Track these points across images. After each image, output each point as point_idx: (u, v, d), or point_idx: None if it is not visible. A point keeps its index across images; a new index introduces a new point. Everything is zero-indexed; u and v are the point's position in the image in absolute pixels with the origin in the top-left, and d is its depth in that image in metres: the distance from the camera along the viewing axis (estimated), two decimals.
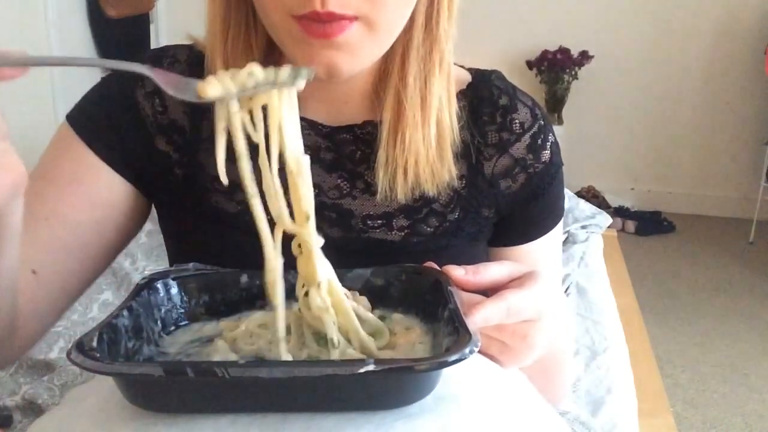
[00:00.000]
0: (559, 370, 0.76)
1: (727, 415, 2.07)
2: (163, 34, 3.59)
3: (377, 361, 0.43)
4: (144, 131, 0.69)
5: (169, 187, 0.70)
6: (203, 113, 0.69)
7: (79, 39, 3.01)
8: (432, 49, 0.64)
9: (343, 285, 0.59)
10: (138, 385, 0.46)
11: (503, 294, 0.54)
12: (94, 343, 0.46)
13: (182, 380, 0.44)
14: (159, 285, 0.59)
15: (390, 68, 0.65)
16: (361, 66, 0.60)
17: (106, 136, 0.68)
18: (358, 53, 0.58)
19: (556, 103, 3.49)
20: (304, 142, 0.69)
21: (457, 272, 0.56)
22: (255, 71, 0.48)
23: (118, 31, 3.13)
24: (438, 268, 0.58)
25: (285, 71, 0.49)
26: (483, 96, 0.71)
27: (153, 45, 3.47)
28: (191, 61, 0.70)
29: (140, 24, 3.35)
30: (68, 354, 0.45)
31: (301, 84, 0.49)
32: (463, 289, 0.56)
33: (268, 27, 0.60)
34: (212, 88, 0.47)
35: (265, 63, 0.68)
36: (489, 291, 0.56)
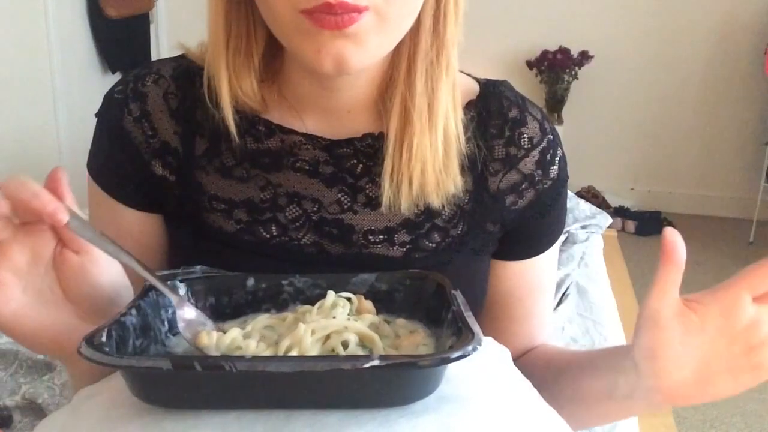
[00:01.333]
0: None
1: (727, 415, 2.08)
2: (163, 34, 3.59)
3: (382, 357, 0.44)
4: (140, 160, 0.68)
5: (169, 208, 0.70)
6: (194, 130, 0.68)
7: (79, 39, 3.01)
8: (439, 53, 0.63)
9: (348, 289, 0.59)
10: (146, 378, 0.47)
11: None
12: (104, 339, 0.47)
13: (190, 374, 0.45)
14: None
15: (396, 76, 0.64)
16: (370, 59, 0.59)
17: (116, 179, 0.69)
18: (367, 45, 0.57)
19: (556, 103, 3.49)
20: (302, 156, 0.69)
21: None
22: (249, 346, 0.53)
23: (118, 31, 3.13)
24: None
25: None
26: (492, 108, 0.70)
27: (153, 45, 3.47)
28: (177, 75, 0.69)
29: (140, 24, 3.35)
30: (78, 349, 0.45)
31: None
32: None
33: (274, 24, 0.59)
34: (204, 345, 0.54)
35: (265, 73, 0.67)
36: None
